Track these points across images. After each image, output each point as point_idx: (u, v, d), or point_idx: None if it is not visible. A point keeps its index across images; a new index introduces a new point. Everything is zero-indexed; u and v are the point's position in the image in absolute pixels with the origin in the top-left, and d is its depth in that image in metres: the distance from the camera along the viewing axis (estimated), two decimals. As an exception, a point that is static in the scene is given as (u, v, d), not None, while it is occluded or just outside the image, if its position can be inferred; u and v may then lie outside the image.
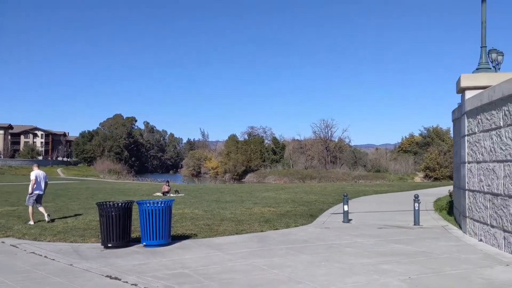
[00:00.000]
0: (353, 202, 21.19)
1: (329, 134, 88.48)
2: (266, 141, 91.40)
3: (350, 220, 13.44)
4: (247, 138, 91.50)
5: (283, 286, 6.30)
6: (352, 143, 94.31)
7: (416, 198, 12.86)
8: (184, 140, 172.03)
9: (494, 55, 19.92)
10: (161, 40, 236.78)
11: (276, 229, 11.85)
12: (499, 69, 20.70)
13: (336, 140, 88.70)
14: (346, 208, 13.32)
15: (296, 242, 9.81)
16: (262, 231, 11.50)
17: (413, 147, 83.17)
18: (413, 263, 7.60)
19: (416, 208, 12.72)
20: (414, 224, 12.57)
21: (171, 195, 24.67)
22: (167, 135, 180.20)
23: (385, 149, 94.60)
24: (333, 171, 75.43)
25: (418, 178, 68.15)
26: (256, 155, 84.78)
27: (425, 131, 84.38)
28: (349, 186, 40.06)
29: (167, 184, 26.95)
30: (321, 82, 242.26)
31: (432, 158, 63.89)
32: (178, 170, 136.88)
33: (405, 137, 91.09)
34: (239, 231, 11.31)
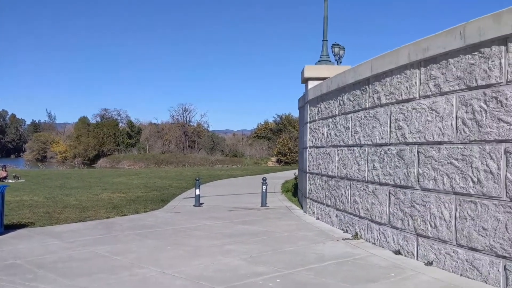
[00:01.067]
0: (207, 186, 21.55)
1: (188, 119, 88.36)
2: (120, 124, 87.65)
3: (202, 204, 13.60)
4: (99, 120, 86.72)
5: (125, 272, 6.09)
6: (211, 128, 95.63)
7: (264, 181, 13.52)
8: (28, 122, 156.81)
9: (336, 49, 21.74)
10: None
11: (124, 215, 11.46)
12: (340, 62, 22.63)
13: (195, 125, 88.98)
14: (197, 192, 13.44)
15: (144, 227, 9.60)
16: (108, 217, 11.02)
17: (267, 133, 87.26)
18: (256, 243, 7.95)
19: (264, 190, 13.37)
20: (262, 206, 13.20)
21: (9, 181, 22.36)
22: (7, 116, 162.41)
23: (242, 135, 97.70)
24: (190, 156, 75.62)
25: (271, 162, 71.84)
26: (109, 139, 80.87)
27: (278, 118, 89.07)
28: (206, 170, 40.68)
29: (3, 169, 24.29)
30: (180, 66, 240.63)
31: (284, 144, 67.82)
32: (21, 154, 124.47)
33: (261, 123, 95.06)
34: (83, 218, 10.68)
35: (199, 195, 13.46)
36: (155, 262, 6.59)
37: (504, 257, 5.16)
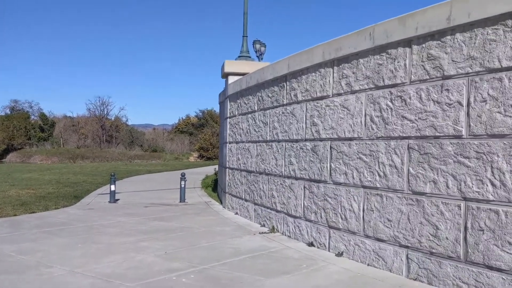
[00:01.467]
0: (124, 182, 20.91)
1: (105, 112, 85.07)
2: (32, 117, 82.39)
3: (117, 200, 13.17)
4: (9, 113, 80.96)
5: (31, 272, 5.73)
6: (130, 122, 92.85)
7: (183, 176, 13.37)
8: None
9: (257, 46, 21.99)
10: None
11: (33, 212, 10.79)
12: (262, 59, 22.92)
13: (113, 118, 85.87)
14: (113, 188, 12.99)
15: (54, 225, 9.10)
16: (15, 215, 10.32)
17: (189, 128, 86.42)
18: (173, 239, 7.84)
19: (182, 186, 13.22)
20: (180, 201, 13.06)
21: None
22: None
23: (163, 129, 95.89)
24: (108, 150, 72.88)
25: (193, 157, 71.27)
26: (20, 132, 75.66)
27: (201, 113, 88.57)
28: (124, 165, 39.46)
29: None
30: (97, 57, 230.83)
31: (206, 139, 67.53)
32: None
33: (182, 118, 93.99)
34: (-14, 217, 9.93)
35: (114, 191, 13.02)
36: (64, 261, 6.27)
37: (406, 246, 5.51)
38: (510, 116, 4.41)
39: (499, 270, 4.47)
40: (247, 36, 12.32)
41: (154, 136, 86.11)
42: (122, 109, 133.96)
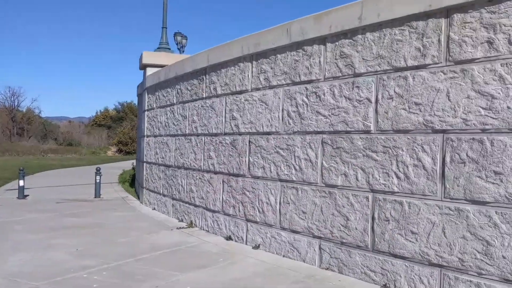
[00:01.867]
0: (36, 177, 19.75)
1: (16, 104, 79.68)
2: None
3: (27, 196, 12.40)
4: None
5: None
6: (43, 115, 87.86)
7: (98, 171, 12.86)
8: None
9: (179, 38, 21.63)
10: None
11: None
12: (183, 51, 22.59)
13: (24, 110, 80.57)
14: (22, 183, 12.20)
15: (-49, 224, 8.36)
16: None
17: (107, 121, 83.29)
18: (86, 235, 7.50)
19: (98, 181, 12.71)
20: (95, 197, 12.55)
21: None
22: None
23: (79, 122, 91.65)
24: (19, 144, 68.25)
25: (111, 152, 68.78)
26: None
27: (120, 106, 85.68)
28: (36, 160, 37.26)
29: None
30: (7, 46, 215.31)
31: (125, 133, 65.45)
32: None
33: (100, 111, 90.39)
34: None
35: (23, 186, 12.23)
36: (-38, 263, 5.78)
37: (319, 237, 5.70)
38: (414, 113, 4.69)
39: (402, 257, 4.76)
40: (166, 28, 12.07)
41: (70, 129, 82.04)
42: (34, 100, 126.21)
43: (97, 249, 6.63)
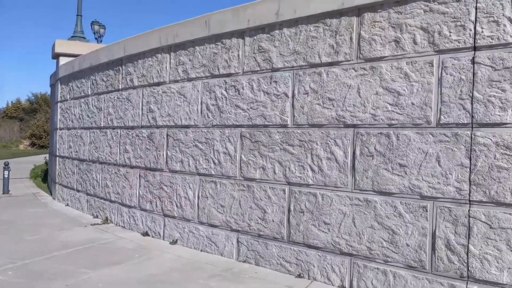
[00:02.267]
0: None
1: None
2: None
3: None
4: None
5: None
6: None
7: (6, 166, 12.02)
8: None
9: (96, 27, 20.76)
10: None
11: None
12: (101, 41, 21.72)
13: None
14: None
15: None
16: None
17: (19, 114, 78.12)
18: (-11, 235, 6.98)
19: (6, 176, 11.88)
20: (3, 193, 11.73)
21: None
22: None
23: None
24: None
25: (23, 145, 64.65)
26: None
27: (34, 98, 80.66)
28: None
29: None
30: None
31: (39, 126, 61.68)
32: None
33: (12, 102, 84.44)
34: None
35: None
36: None
37: (237, 230, 5.72)
38: (327, 108, 4.84)
39: (316, 248, 4.91)
40: (81, 16, 11.49)
41: (-26, 121, 75.86)
42: None
43: (3, 247, 6.18)
